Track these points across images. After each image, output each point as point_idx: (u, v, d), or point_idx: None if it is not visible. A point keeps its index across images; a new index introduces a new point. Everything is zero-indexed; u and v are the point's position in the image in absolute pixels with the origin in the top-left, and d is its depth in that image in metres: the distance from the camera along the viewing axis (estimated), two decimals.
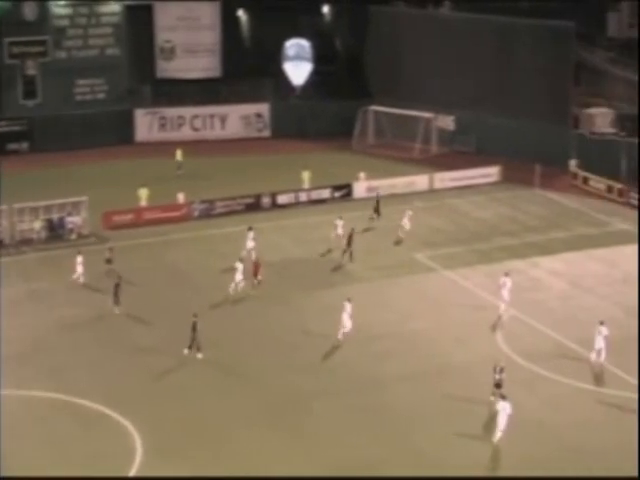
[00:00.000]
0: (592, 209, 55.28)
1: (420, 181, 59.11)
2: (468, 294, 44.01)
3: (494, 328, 40.48)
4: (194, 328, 37.71)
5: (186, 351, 37.77)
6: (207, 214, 54.33)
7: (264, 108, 70.62)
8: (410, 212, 50.87)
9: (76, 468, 30.52)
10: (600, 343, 37.12)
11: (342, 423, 33.43)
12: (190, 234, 51.44)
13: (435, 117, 66.40)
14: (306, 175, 57.96)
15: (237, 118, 70.20)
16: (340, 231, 48.46)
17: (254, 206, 55.37)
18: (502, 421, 32.02)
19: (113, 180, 58.64)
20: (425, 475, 30.39)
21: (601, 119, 64.48)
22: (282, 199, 56.25)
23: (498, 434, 32.04)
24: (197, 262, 47.93)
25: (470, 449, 31.84)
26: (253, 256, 46.18)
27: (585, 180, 58.92)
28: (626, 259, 47.74)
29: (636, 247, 49.15)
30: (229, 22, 72.17)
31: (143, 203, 54.36)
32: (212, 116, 69.97)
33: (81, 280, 44.48)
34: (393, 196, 56.94)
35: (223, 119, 70.10)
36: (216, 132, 69.91)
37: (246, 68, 69.99)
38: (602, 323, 37.40)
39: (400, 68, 70.46)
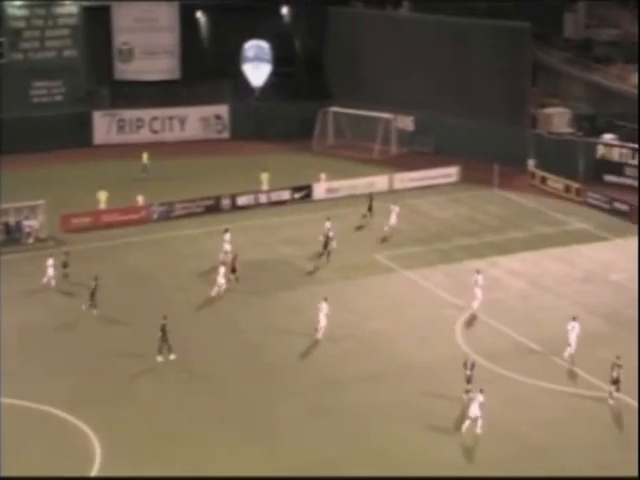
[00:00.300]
0: (550, 208, 55.68)
1: (380, 182, 59.23)
2: (428, 294, 44.17)
3: (468, 325, 40.68)
4: (163, 330, 37.48)
5: (159, 358, 37.48)
6: (166, 216, 54.07)
7: (223, 110, 70.43)
8: (397, 208, 51.29)
9: (29, 472, 30.25)
10: (573, 339, 37.42)
11: (303, 424, 33.42)
12: (149, 237, 51.18)
13: (394, 118, 66.57)
14: (265, 177, 57.89)
15: (196, 120, 69.95)
16: (330, 234, 48.10)
17: (214, 208, 55.21)
18: (474, 410, 32.46)
19: (72, 183, 58.20)
20: (387, 475, 30.47)
21: (558, 119, 65.03)
22: (242, 201, 56.13)
23: (467, 422, 32.56)
24: (157, 265, 47.69)
25: (431, 449, 31.93)
26: (229, 257, 45.95)
27: (543, 180, 59.35)
28: (584, 258, 48.17)
29: (594, 246, 49.70)
30: (188, 24, 71.89)
31: (102, 206, 53.98)
32: (171, 118, 69.67)
33: (52, 283, 44.14)
34: (353, 197, 57.12)
35: (182, 121, 69.81)
36: (175, 134, 69.62)
37: (205, 70, 69.76)
38: (574, 319, 37.74)
39: (359, 69, 70.59)
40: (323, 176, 58.47)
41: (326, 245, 47.43)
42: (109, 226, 52.07)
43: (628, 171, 58.61)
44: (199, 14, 72.65)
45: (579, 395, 35.10)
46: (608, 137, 61.85)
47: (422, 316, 41.95)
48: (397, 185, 59.31)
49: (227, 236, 47.22)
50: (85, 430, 32.60)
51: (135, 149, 62.95)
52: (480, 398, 32.57)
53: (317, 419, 33.75)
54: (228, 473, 30.45)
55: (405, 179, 59.85)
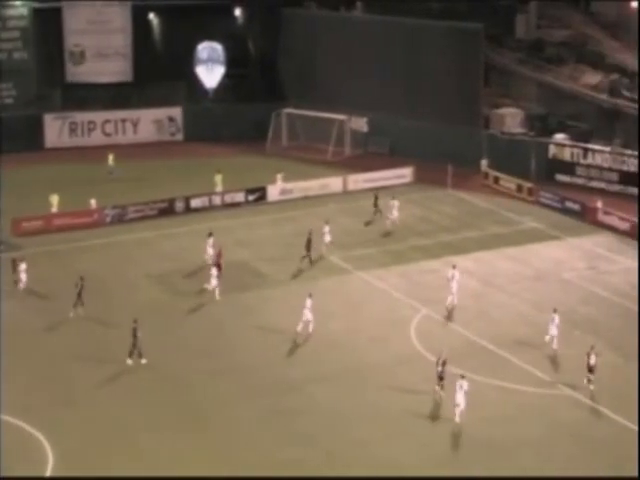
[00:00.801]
0: (503, 208, 56.01)
1: (334, 183, 59.26)
2: (383, 294, 44.26)
3: (448, 318, 41.18)
4: (134, 334, 37.19)
5: (129, 361, 37.26)
6: (119, 219, 53.70)
7: (177, 112, 70.07)
8: (397, 202, 51.83)
9: None
10: (553, 330, 37.90)
11: (256, 425, 33.34)
12: (102, 240, 50.77)
13: (349, 119, 66.64)
14: (219, 178, 57.69)
15: (149, 122, 69.49)
16: (328, 238, 48.07)
17: (167, 211, 54.92)
18: (460, 398, 32.96)
19: (23, 187, 57.51)
20: (338, 475, 30.48)
21: (511, 119, 65.47)
22: (196, 203, 55.88)
23: (457, 411, 32.93)
24: (110, 268, 47.33)
25: (386, 448, 31.97)
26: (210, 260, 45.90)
27: (496, 180, 59.70)
28: (537, 257, 48.50)
29: (546, 245, 50.08)
30: (140, 25, 71.42)
31: (54, 209, 53.49)
32: (124, 120, 69.17)
33: (21, 287, 43.76)
34: (307, 198, 57.14)
35: (135, 123, 69.34)
36: (128, 137, 69.12)
37: (158, 72, 69.36)
38: (555, 311, 38.25)
39: (314, 70, 70.59)
40: (280, 177, 58.41)
41: (308, 248, 46.81)
42: (61, 230, 51.59)
43: (579, 170, 59.15)
44: (151, 16, 72.22)
45: (531, 392, 35.29)
46: (560, 137, 62.39)
47: (377, 316, 42.03)
48: (351, 186, 59.38)
49: (210, 240, 46.81)
50: (36, 435, 32.26)
51: (87, 152, 62.42)
52: (465, 386, 33.05)
53: (273, 420, 33.67)
54: (177, 474, 30.29)
55: (359, 180, 59.93)
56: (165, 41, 71.94)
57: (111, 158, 61.54)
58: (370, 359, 38.15)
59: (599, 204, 53.48)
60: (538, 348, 38.46)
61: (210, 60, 69.83)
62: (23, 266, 44.08)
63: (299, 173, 59.62)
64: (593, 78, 66.47)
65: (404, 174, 60.85)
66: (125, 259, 48.55)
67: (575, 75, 67.55)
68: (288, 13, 72.33)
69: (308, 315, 39.71)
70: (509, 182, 58.76)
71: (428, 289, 44.51)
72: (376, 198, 53.51)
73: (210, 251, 46.65)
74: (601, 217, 52.76)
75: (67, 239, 50.46)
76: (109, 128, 69.01)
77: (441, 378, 34.81)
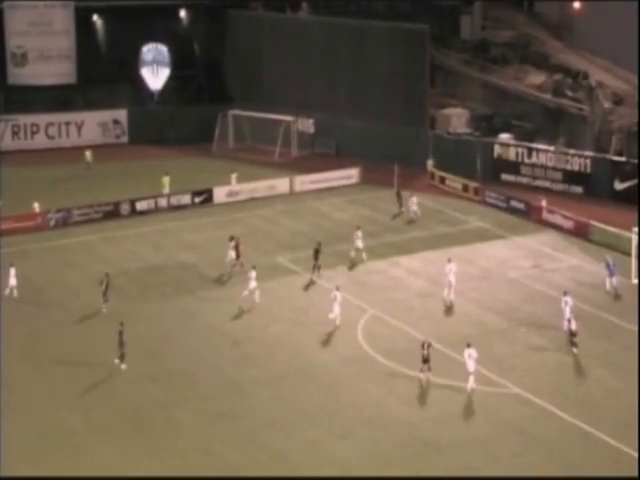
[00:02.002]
0: (449, 208, 56.24)
1: (281, 184, 59.16)
2: (329, 295, 44.01)
3: (447, 312, 41.18)
4: (120, 337, 36.80)
5: (123, 366, 36.90)
6: (64, 223, 53.14)
7: (122, 114, 69.53)
8: (414, 198, 53.28)
9: None
10: (567, 313, 38.34)
11: (201, 429, 33.07)
12: (46, 244, 50.18)
13: (295, 120, 66.61)
14: (166, 181, 57.33)
15: (94, 125, 68.91)
16: (360, 244, 47.49)
17: (113, 214, 54.47)
18: (471, 365, 34.84)
19: None
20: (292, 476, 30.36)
21: (456, 119, 65.83)
22: (141, 206, 55.50)
23: (471, 378, 34.65)
24: (52, 272, 46.82)
25: (332, 449, 31.84)
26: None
27: (442, 180, 59.94)
28: (482, 256, 48.70)
29: (492, 244, 50.32)
30: (84, 27, 70.85)
31: None
32: (68, 123, 68.50)
33: (15, 294, 43.15)
34: (254, 200, 56.96)
35: (79, 126, 68.70)
36: (72, 139, 68.43)
37: (102, 74, 68.92)
38: (565, 294, 39.00)
39: (260, 72, 70.48)
40: (234, 176, 58.17)
41: (317, 257, 45.69)
42: (4, 234, 50.86)
43: (524, 170, 59.62)
44: (95, 17, 71.63)
45: (477, 391, 35.38)
46: (505, 137, 62.86)
47: (324, 317, 41.79)
48: (298, 187, 59.33)
49: (232, 244, 46.23)
50: None
51: (31, 155, 61.63)
52: (474, 354, 34.84)
53: (219, 423, 33.41)
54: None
55: (306, 181, 59.90)
56: (109, 43, 71.43)
57: (89, 154, 61.87)
58: (317, 360, 38.03)
59: (543, 203, 53.92)
60: (484, 347, 38.51)
61: (155, 62, 69.48)
62: (13, 271, 43.25)
63: (246, 174, 59.38)
64: (537, 78, 67.10)
65: (350, 175, 60.92)
66: (67, 263, 48.02)
67: (519, 75, 68.15)
68: (233, 15, 72.15)
69: (337, 309, 39.99)
70: (455, 182, 59.04)
71: (375, 290, 44.53)
72: (399, 195, 54.62)
73: (232, 254, 46.00)
74: (545, 216, 53.17)
75: (9, 243, 49.76)
76: (53, 131, 68.29)
77: (426, 361, 35.55)
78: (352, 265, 46.78)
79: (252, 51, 70.87)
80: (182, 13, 73.43)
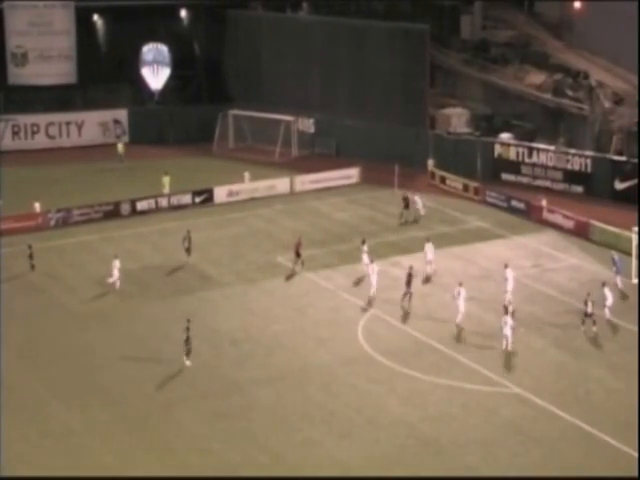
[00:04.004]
0: (449, 207, 56.21)
1: (281, 184, 59.14)
2: (329, 295, 44.15)
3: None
4: (187, 334, 36.98)
5: (188, 363, 37.13)
6: (64, 223, 53.14)
7: (122, 114, 69.51)
8: (417, 197, 53.15)
9: None
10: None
11: (200, 429, 33.05)
12: (46, 244, 50.06)
13: (295, 120, 66.60)
14: (167, 180, 57.35)
15: (94, 125, 68.89)
16: (365, 259, 45.83)
17: (113, 213, 54.46)
18: (508, 332, 37.61)
19: None
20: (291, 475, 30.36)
21: (457, 119, 65.80)
22: (142, 206, 55.48)
23: (509, 342, 37.55)
24: (53, 272, 46.79)
25: (332, 449, 31.81)
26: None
27: (442, 179, 59.93)
28: (483, 256, 48.67)
29: (492, 244, 50.29)
30: (84, 27, 70.87)
31: None
32: (68, 123, 68.50)
33: (117, 285, 44.11)
34: (254, 200, 56.99)
35: (80, 126, 68.70)
36: (73, 139, 68.45)
37: (103, 73, 68.96)
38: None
39: (260, 71, 70.49)
40: (247, 175, 58.09)
41: (409, 283, 43.94)
42: (4, 233, 50.86)
43: (524, 169, 59.61)
44: (95, 17, 71.66)
45: (477, 391, 35.38)
46: (505, 136, 62.83)
47: (324, 317, 41.93)
48: (298, 187, 59.32)
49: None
50: None
51: (31, 155, 61.62)
52: (510, 321, 37.76)
53: (218, 423, 33.39)
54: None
55: (306, 181, 59.89)
56: (110, 43, 71.46)
57: (120, 147, 63.11)
58: (316, 360, 38.02)
59: (544, 203, 53.91)
60: (484, 347, 38.60)
61: (155, 62, 69.44)
62: None
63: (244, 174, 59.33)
64: (537, 78, 67.06)
65: (351, 175, 60.91)
66: (67, 263, 48.02)
67: (520, 75, 68.11)
68: (234, 14, 72.16)
69: (462, 307, 40.29)
70: (455, 182, 59.03)
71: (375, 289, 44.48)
72: (406, 200, 53.40)
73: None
74: (546, 215, 53.16)
75: (9, 243, 49.76)
76: (53, 131, 68.29)
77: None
78: (359, 280, 45.60)
79: (252, 51, 70.89)
80: (182, 13, 73.49)
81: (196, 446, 32.01)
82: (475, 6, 74.97)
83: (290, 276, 46.18)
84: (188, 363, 37.15)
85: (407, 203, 53.27)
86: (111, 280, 44.24)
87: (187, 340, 37.10)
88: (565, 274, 46.04)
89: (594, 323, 39.57)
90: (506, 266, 43.12)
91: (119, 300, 43.62)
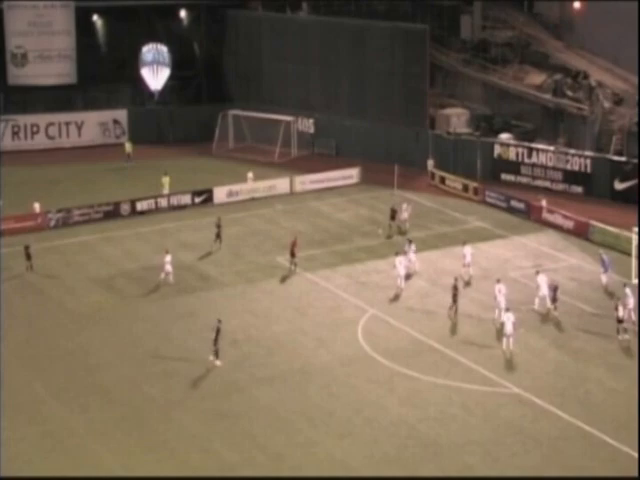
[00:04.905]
0: (449, 208, 56.22)
1: (281, 184, 59.16)
2: (329, 295, 44.16)
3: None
4: (217, 333, 37.01)
5: (217, 362, 37.16)
6: (64, 223, 53.17)
7: (122, 114, 69.57)
8: (405, 205, 51.94)
9: None
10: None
11: (201, 429, 33.04)
12: (46, 244, 50.14)
13: (295, 120, 66.64)
14: (166, 181, 57.40)
15: (94, 125, 68.98)
16: (469, 259, 45.75)
17: (113, 214, 54.50)
18: (509, 328, 37.69)
19: None
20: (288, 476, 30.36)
21: (456, 119, 65.78)
22: (141, 206, 55.51)
23: (510, 340, 37.59)
24: (53, 272, 46.81)
25: (331, 450, 31.82)
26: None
27: (442, 179, 59.95)
28: (483, 256, 48.59)
29: (492, 244, 50.28)
30: (84, 27, 70.91)
31: None
32: (68, 123, 68.56)
33: (170, 279, 44.68)
34: (254, 200, 57.01)
35: (79, 126, 68.76)
36: (72, 140, 68.51)
37: (102, 74, 69.02)
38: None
39: (260, 72, 70.53)
40: (251, 175, 58.18)
41: (455, 298, 43.32)
42: (4, 234, 50.89)
43: (524, 170, 59.63)
44: (95, 17, 71.69)
45: (477, 391, 35.39)
46: (505, 137, 62.86)
47: (324, 317, 41.93)
48: (298, 187, 59.35)
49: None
50: None
51: (31, 155, 61.62)
52: (512, 318, 37.73)
53: (218, 423, 33.39)
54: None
55: (306, 181, 59.92)
56: (109, 43, 71.56)
57: (129, 146, 63.49)
58: (316, 360, 38.02)
59: (544, 203, 53.91)
60: (484, 347, 38.62)
61: (155, 62, 69.38)
62: None
63: (246, 175, 59.32)
64: (537, 78, 67.02)
65: (350, 175, 60.93)
66: (67, 263, 48.05)
67: (519, 75, 68.07)
68: (233, 15, 72.23)
69: (502, 302, 40.16)
70: (455, 182, 59.05)
71: (375, 289, 44.53)
72: (393, 212, 51.95)
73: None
74: (545, 216, 53.17)
75: (10, 243, 49.78)
76: (53, 131, 68.33)
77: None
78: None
79: (252, 51, 70.95)
80: (182, 13, 73.57)
81: (196, 446, 32.01)
82: (475, 6, 74.88)
83: (290, 276, 46.20)
84: (218, 363, 37.13)
85: (394, 215, 51.80)
86: (163, 275, 44.66)
87: (216, 340, 37.06)
88: (565, 274, 46.02)
89: (626, 331, 38.90)
90: (537, 272, 42.74)
91: (119, 300, 43.63)
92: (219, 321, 37.49)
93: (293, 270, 46.28)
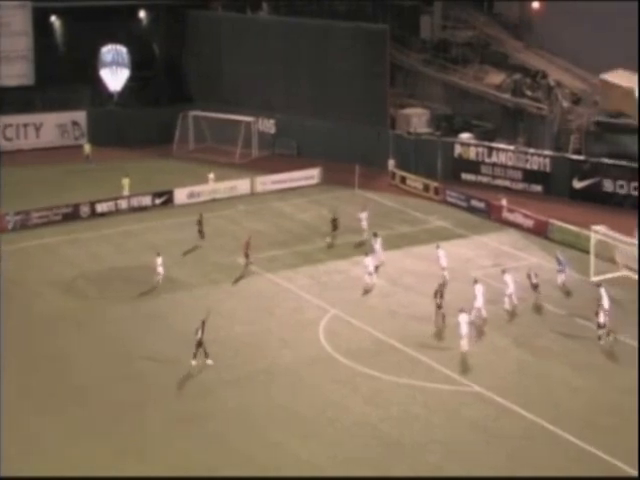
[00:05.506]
0: (410, 207, 56.33)
1: (242, 185, 59.02)
2: (291, 296, 44.13)
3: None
4: (200, 334, 36.87)
5: (207, 362, 37.07)
6: (22, 225, 52.68)
7: (81, 116, 69.06)
8: (364, 214, 50.91)
9: None
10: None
11: (168, 429, 32.95)
12: (4, 247, 49.52)
13: (256, 121, 66.51)
14: (126, 182, 57.07)
15: (53, 126, 68.38)
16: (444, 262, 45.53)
17: (72, 216, 54.09)
18: (464, 329, 37.55)
19: None
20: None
21: (417, 119, 65.96)
22: (102, 208, 55.13)
23: (464, 341, 37.50)
24: (12, 275, 46.29)
25: (297, 450, 31.79)
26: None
27: (403, 179, 60.08)
28: (444, 255, 48.66)
29: (453, 243, 50.44)
30: (42, 28, 70.19)
31: None
32: (26, 125, 67.92)
33: (160, 282, 44.30)
34: (215, 201, 56.81)
35: (38, 128, 68.14)
36: (31, 141, 67.87)
37: (61, 75, 68.28)
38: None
39: (220, 72, 70.31)
40: (211, 176, 58.02)
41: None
42: None
43: (484, 169, 59.94)
44: (53, 18, 71.04)
45: (439, 390, 35.50)
46: (465, 136, 63.11)
47: (287, 318, 41.89)
48: (259, 188, 59.26)
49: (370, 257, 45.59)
50: None
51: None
52: (465, 318, 37.65)
53: (184, 424, 33.27)
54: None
55: (267, 182, 59.83)
56: (68, 44, 70.88)
57: (87, 147, 63.68)
58: (280, 361, 37.97)
59: (504, 202, 54.21)
60: (446, 346, 38.72)
61: (115, 63, 68.85)
62: None
63: (206, 176, 59.10)
64: (497, 78, 67.37)
65: (312, 175, 60.92)
66: (28, 266, 47.59)
67: (479, 75, 68.39)
68: (193, 15, 71.92)
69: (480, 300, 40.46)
70: (416, 182, 59.21)
71: (336, 290, 44.55)
72: (334, 222, 50.80)
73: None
74: (506, 215, 53.46)
75: None
76: (10, 133, 67.66)
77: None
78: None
79: (213, 51, 70.68)
80: (141, 14, 73.05)
81: (164, 448, 31.88)
82: (435, 6, 75.15)
83: (253, 277, 46.12)
84: (209, 362, 37.09)
85: (335, 225, 50.67)
86: (157, 277, 44.62)
87: (200, 341, 36.95)
88: (525, 273, 46.18)
89: (608, 334, 38.64)
90: (504, 271, 42.80)
91: (85, 303, 43.36)
92: (203, 321, 37.21)
93: (248, 271, 46.12)
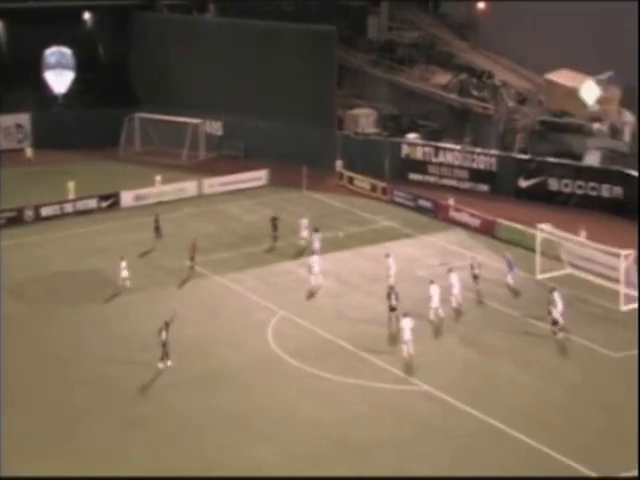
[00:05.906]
0: (358, 208, 56.41)
1: (189, 187, 58.74)
2: (239, 298, 43.99)
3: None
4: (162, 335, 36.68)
5: (167, 363, 36.88)
6: None
7: (24, 118, 68.28)
8: (305, 221, 50.03)
9: None
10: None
11: (115, 434, 32.67)
12: None
13: (203, 122, 66.23)
14: (71, 185, 56.53)
15: None
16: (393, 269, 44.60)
17: (16, 220, 53.46)
18: (407, 334, 37.11)
19: None
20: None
21: (364, 120, 66.19)
22: (46, 211, 54.56)
23: (405, 346, 37.16)
24: None
25: (245, 452, 31.64)
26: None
27: (350, 180, 60.17)
28: (391, 255, 48.77)
29: (400, 243, 50.58)
30: None
31: None
32: None
33: (127, 284, 43.86)
34: (162, 204, 56.46)
35: None
36: None
37: (4, 77, 67.36)
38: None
39: (167, 74, 69.88)
40: (159, 178, 57.71)
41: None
42: None
43: (431, 169, 60.23)
44: None
45: (387, 390, 35.54)
46: (412, 136, 63.38)
47: (234, 320, 41.74)
48: (207, 190, 59.01)
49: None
50: None
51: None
52: (409, 324, 37.13)
53: (135, 428, 33.03)
54: None
55: (214, 184, 59.58)
56: (11, 46, 69.99)
57: (29, 151, 63.70)
58: (228, 363, 37.81)
59: (450, 201, 54.49)
60: (394, 346, 38.76)
61: (59, 65, 68.18)
62: None
63: (153, 178, 58.71)
64: (443, 78, 67.80)
65: (259, 176, 60.78)
66: None
67: (426, 75, 68.78)
68: (139, 17, 71.42)
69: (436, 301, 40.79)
70: (363, 182, 59.31)
71: (284, 291, 44.47)
72: (274, 223, 50.60)
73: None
74: (452, 214, 53.74)
75: None
76: None
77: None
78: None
79: (159, 53, 70.21)
80: (86, 15, 72.36)
81: (114, 452, 31.59)
82: (381, 7, 75.48)
83: (200, 280, 45.92)
84: (169, 363, 36.99)
85: (275, 225, 50.46)
86: (121, 281, 44.19)
87: (164, 343, 36.85)
88: (471, 271, 46.44)
89: (562, 330, 39.07)
90: (449, 270, 42.82)
91: (29, 307, 42.84)
92: (166, 324, 36.99)
93: (193, 273, 45.99)
